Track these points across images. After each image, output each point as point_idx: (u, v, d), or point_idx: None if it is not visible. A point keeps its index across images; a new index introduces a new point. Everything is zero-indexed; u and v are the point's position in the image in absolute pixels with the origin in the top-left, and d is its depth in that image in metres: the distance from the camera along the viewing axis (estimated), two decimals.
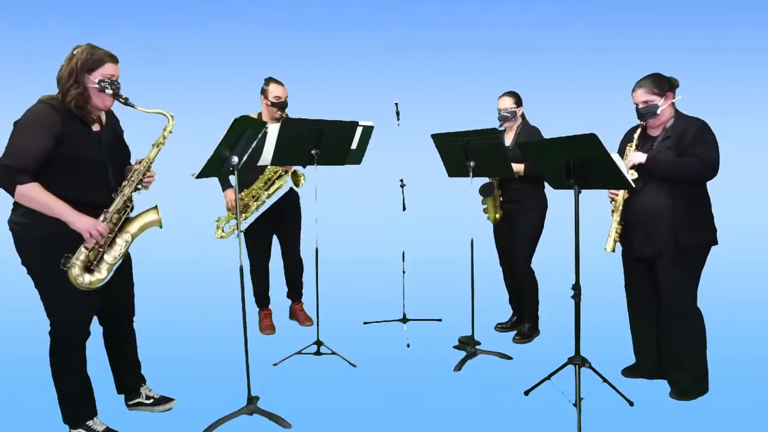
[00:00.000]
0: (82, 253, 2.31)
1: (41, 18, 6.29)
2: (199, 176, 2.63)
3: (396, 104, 3.88)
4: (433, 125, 3.54)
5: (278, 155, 3.24)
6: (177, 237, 5.20)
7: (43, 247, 2.29)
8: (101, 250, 2.36)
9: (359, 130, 3.49)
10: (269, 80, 3.76)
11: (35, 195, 2.22)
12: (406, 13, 6.84)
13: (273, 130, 3.15)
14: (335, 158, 3.49)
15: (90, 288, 2.33)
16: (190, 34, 6.65)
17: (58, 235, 2.27)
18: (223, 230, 3.75)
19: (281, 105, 3.72)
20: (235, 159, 2.64)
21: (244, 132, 2.63)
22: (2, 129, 2.33)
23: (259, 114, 3.82)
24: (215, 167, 2.64)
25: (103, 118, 2.50)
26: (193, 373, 3.20)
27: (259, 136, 2.81)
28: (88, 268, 2.34)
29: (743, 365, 3.16)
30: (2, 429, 2.66)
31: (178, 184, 3.64)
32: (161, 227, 2.52)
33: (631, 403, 2.75)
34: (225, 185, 3.79)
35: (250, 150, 2.78)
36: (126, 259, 2.62)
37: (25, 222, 2.27)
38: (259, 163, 3.34)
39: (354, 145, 3.53)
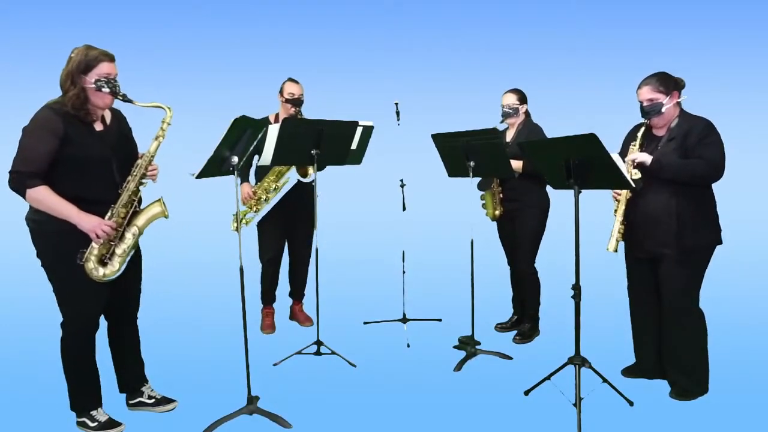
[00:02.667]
0: (94, 248, 2.42)
1: (46, 20, 6.32)
2: (199, 176, 2.63)
3: (396, 104, 3.88)
4: (433, 125, 3.54)
5: (278, 155, 3.24)
6: (177, 237, 5.20)
7: (56, 241, 2.40)
8: (112, 243, 2.47)
9: (359, 130, 3.49)
10: (287, 80, 3.84)
11: (44, 198, 2.33)
12: (407, 13, 6.84)
13: (273, 130, 3.15)
14: (335, 158, 3.49)
15: (104, 280, 2.45)
16: (192, 34, 6.65)
17: (71, 231, 2.37)
18: (239, 223, 3.78)
19: (295, 101, 3.77)
20: (235, 159, 2.64)
21: (244, 132, 2.64)
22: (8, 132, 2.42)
23: (277, 114, 3.86)
24: (215, 167, 2.65)
25: (108, 117, 2.57)
26: (193, 373, 3.20)
27: (259, 136, 2.81)
28: (102, 261, 2.45)
29: (743, 365, 3.16)
30: (11, 420, 2.69)
31: (178, 184, 3.64)
32: (167, 218, 2.58)
33: (631, 403, 2.75)
34: (243, 179, 3.83)
35: (251, 149, 2.79)
36: (136, 254, 2.68)
37: (40, 218, 2.39)
38: (260, 163, 3.34)
39: (354, 145, 3.53)
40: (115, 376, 2.80)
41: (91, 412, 2.57)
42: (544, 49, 6.57)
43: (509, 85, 3.70)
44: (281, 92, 3.82)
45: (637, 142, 2.84)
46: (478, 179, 3.72)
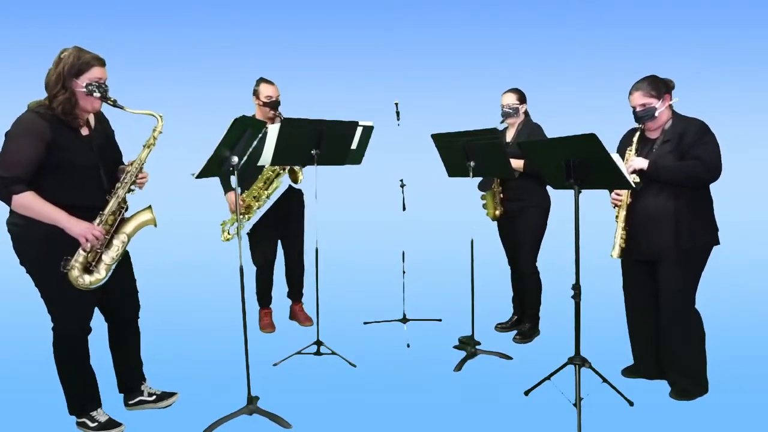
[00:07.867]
0: (80, 255, 2.37)
1: (30, 19, 6.28)
2: (199, 176, 2.63)
3: (396, 104, 3.88)
4: (433, 125, 3.54)
5: (278, 155, 3.24)
6: (177, 237, 5.21)
7: (40, 247, 2.34)
8: (99, 251, 2.41)
9: (359, 130, 3.49)
10: (260, 80, 3.75)
11: (31, 204, 2.27)
12: (407, 12, 6.85)
13: (273, 130, 3.15)
14: (335, 158, 3.49)
15: (90, 288, 2.39)
16: (192, 34, 6.66)
17: (55, 236, 2.31)
18: (228, 233, 3.77)
19: (273, 104, 3.71)
20: (235, 159, 2.64)
21: (244, 132, 2.63)
22: None
23: (253, 115, 3.80)
24: (215, 167, 2.64)
25: (92, 121, 2.52)
26: (193, 372, 3.20)
27: (259, 136, 2.81)
28: (87, 269, 2.40)
29: (743, 365, 3.15)
30: (11, 420, 2.68)
31: (180, 185, 3.64)
32: (156, 226, 2.57)
33: (631, 403, 2.75)
34: (227, 188, 3.77)
35: (250, 150, 2.79)
36: (125, 257, 2.65)
37: (22, 223, 2.31)
38: (260, 164, 3.34)
39: (354, 145, 3.53)
40: (115, 377, 2.80)
41: (91, 413, 2.56)
42: (544, 48, 6.58)
43: (509, 85, 3.70)
44: (256, 95, 3.73)
45: (633, 147, 2.84)
46: (478, 179, 3.72)
